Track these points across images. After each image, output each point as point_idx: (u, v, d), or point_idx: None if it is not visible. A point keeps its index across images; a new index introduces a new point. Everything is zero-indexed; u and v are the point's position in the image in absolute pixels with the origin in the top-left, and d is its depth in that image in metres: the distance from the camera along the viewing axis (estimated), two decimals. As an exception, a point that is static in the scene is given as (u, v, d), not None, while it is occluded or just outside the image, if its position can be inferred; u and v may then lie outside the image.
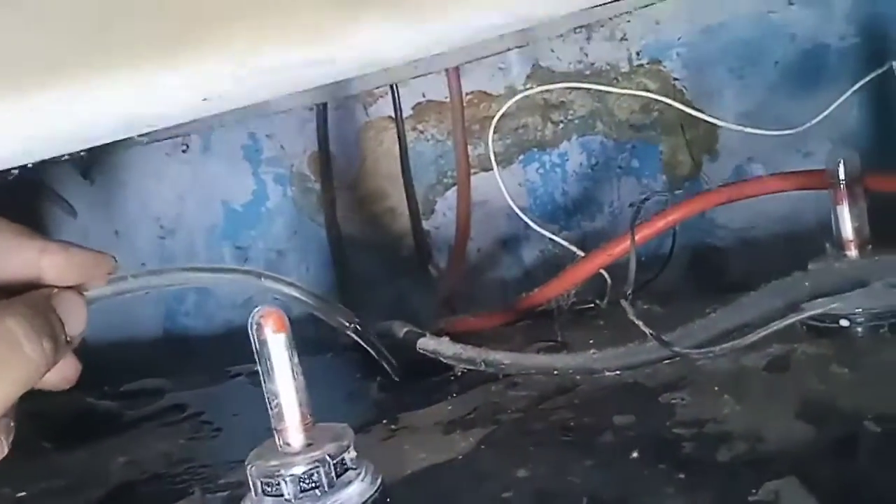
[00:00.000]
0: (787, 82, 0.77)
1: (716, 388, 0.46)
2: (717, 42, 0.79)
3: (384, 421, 0.54)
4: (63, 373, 0.39)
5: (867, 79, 0.61)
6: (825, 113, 0.60)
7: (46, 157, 0.40)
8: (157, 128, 0.42)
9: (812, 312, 0.41)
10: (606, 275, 0.61)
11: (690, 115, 0.70)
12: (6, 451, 0.37)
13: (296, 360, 0.40)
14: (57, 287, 0.38)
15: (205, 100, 0.35)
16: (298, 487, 0.39)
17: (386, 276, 0.94)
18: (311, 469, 0.39)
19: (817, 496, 0.34)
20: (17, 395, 0.35)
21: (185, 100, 0.34)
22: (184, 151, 0.98)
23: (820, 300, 0.43)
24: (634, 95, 0.78)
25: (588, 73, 0.83)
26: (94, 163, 0.99)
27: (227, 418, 0.65)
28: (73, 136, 0.36)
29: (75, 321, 0.38)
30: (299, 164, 0.95)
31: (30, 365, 0.34)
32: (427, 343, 0.58)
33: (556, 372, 0.52)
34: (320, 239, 0.94)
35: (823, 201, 0.55)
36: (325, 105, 0.89)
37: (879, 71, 0.63)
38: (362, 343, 0.48)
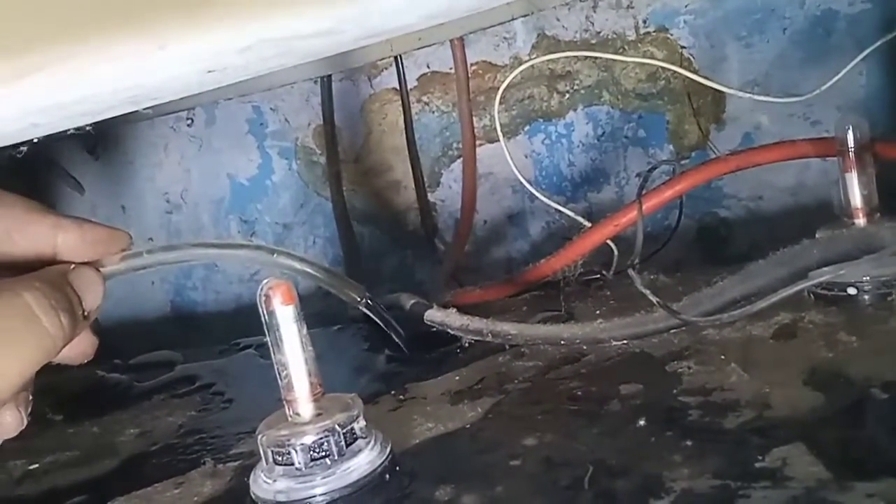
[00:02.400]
0: (796, 49, 0.77)
1: (723, 357, 0.47)
2: (724, 9, 0.78)
3: (392, 392, 0.54)
4: (81, 347, 0.39)
5: (876, 45, 0.61)
6: (833, 80, 0.59)
7: (52, 131, 0.40)
8: (161, 101, 0.42)
9: (819, 280, 0.41)
10: (613, 245, 0.61)
11: (697, 83, 0.70)
12: (25, 423, 0.38)
13: (304, 331, 0.40)
14: (73, 263, 0.39)
15: (210, 72, 0.35)
16: (309, 456, 0.39)
17: (392, 248, 0.94)
18: (321, 438, 0.39)
19: (824, 462, 0.34)
20: (36, 369, 0.35)
21: (189, 73, 0.34)
22: (189, 126, 0.98)
23: (828, 268, 0.43)
24: (641, 64, 0.77)
25: (594, 42, 0.82)
26: (100, 139, 0.99)
27: (237, 390, 0.65)
28: (78, 109, 0.35)
29: (92, 296, 0.38)
30: (304, 137, 0.95)
31: (47, 339, 0.35)
32: (434, 315, 0.59)
33: (562, 342, 0.52)
34: (326, 212, 0.94)
35: (830, 172, 0.55)
36: (329, 77, 0.88)
37: (889, 37, 0.62)
38: (373, 317, 0.48)
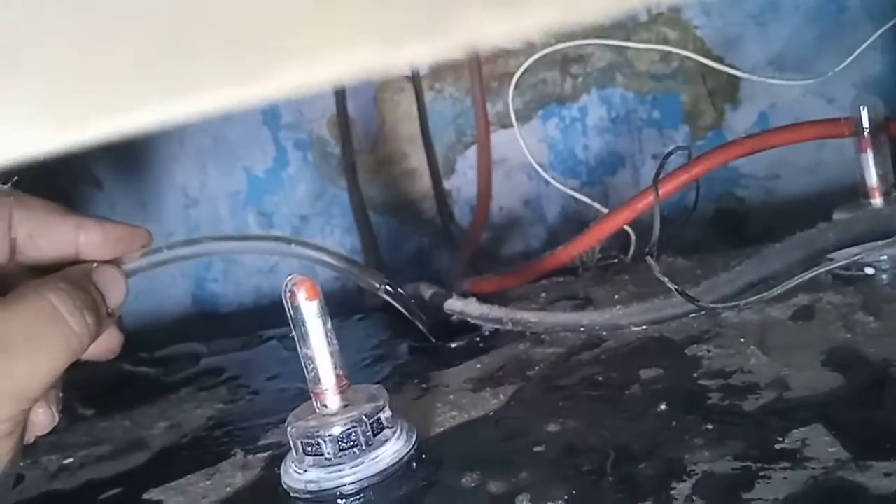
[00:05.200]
0: (810, 27, 0.76)
1: (742, 340, 0.47)
2: (737, -13, 0.78)
3: (415, 381, 0.55)
4: (107, 344, 0.40)
5: (892, 23, 0.60)
6: (849, 59, 0.59)
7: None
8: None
9: (838, 263, 0.41)
10: (630, 230, 0.62)
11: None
12: (57, 420, 0.39)
13: (329, 325, 0.41)
14: (95, 262, 0.39)
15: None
16: (337, 446, 0.40)
17: (409, 237, 0.95)
18: (348, 429, 0.40)
19: (843, 442, 0.35)
20: (64, 367, 0.36)
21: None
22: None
23: (845, 250, 0.43)
24: (654, 49, 0.77)
25: (606, 24, 0.82)
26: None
27: (262, 381, 0.66)
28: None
29: (115, 294, 0.39)
30: (318, 128, 0.95)
31: (74, 338, 0.36)
32: (454, 304, 0.59)
33: (582, 329, 0.53)
34: (342, 203, 0.95)
35: (848, 149, 0.55)
36: (342, 68, 0.88)
37: (905, 13, 0.61)
38: (395, 303, 0.49)
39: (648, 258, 0.43)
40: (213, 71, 0.15)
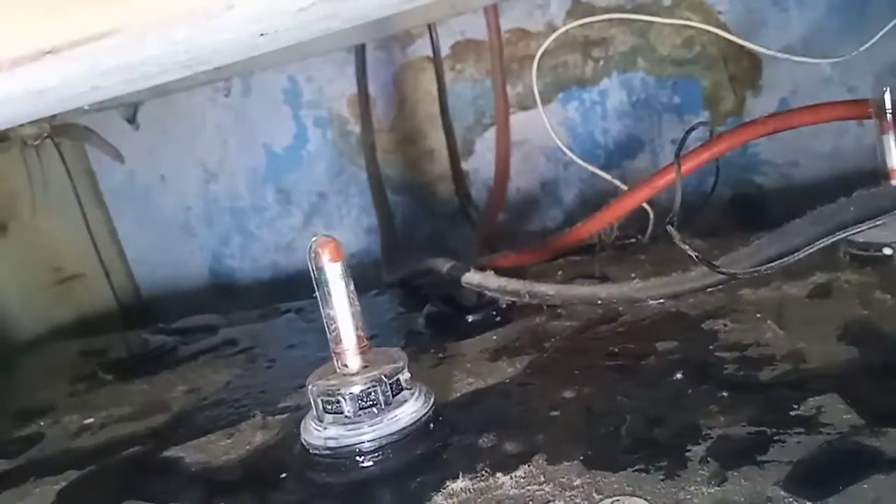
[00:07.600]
0: (833, 15, 0.76)
1: (758, 315, 0.48)
2: (761, -27, 0.78)
3: (431, 351, 0.56)
4: None
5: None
6: (871, 42, 0.59)
7: (109, 96, 0.41)
8: (211, 66, 0.43)
9: (856, 230, 0.41)
10: (649, 209, 0.62)
11: (733, 48, 0.70)
12: None
13: (352, 287, 0.42)
14: None
15: (262, 35, 0.36)
16: (357, 405, 0.41)
17: (425, 216, 0.96)
18: (368, 388, 0.41)
19: (858, 410, 0.35)
20: None
21: (244, 35, 0.35)
22: (226, 96, 1.00)
23: (864, 224, 0.43)
24: (677, 28, 0.77)
25: (629, 7, 0.82)
26: (139, 109, 1.01)
27: (279, 350, 0.67)
28: (138, 72, 0.37)
29: None
30: (338, 106, 0.96)
31: None
32: (472, 277, 0.60)
33: (600, 301, 0.53)
34: (361, 181, 0.96)
35: (866, 138, 0.55)
36: (363, 47, 0.89)
37: (930, -1, 0.61)
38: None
39: (669, 227, 0.44)
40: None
